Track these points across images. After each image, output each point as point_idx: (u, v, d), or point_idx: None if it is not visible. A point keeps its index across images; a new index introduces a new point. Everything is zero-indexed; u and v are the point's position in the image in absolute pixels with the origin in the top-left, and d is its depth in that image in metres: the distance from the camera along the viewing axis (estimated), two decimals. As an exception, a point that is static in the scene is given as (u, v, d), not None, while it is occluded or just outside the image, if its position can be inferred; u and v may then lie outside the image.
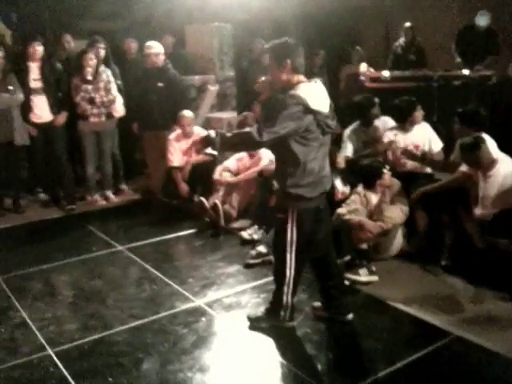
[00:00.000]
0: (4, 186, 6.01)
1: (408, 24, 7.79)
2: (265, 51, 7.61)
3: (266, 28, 8.60)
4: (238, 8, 8.01)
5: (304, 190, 3.09)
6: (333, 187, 4.59)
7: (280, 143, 3.04)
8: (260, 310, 3.54)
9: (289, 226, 3.12)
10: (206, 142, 3.38)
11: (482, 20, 7.05)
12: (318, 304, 3.56)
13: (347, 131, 5.33)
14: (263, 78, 3.35)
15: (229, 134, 3.16)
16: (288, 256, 3.18)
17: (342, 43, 8.21)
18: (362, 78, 7.13)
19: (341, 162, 4.82)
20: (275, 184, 3.58)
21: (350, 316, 3.46)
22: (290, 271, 3.21)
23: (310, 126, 3.01)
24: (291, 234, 3.13)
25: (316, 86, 3.11)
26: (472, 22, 7.17)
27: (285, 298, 3.29)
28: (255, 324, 3.46)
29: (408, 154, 4.71)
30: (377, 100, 5.29)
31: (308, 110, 2.97)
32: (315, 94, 3.04)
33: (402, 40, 7.87)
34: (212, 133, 3.26)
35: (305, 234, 3.16)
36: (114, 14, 9.11)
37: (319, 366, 3.03)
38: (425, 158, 4.68)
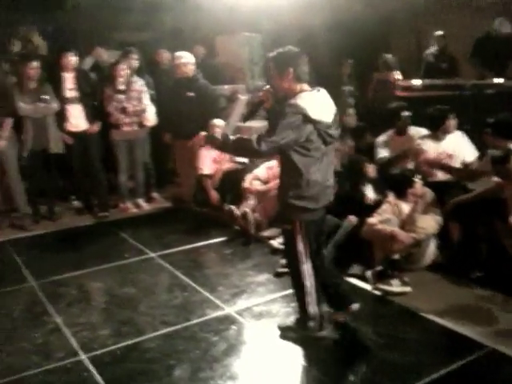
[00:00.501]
0: (39, 194, 6.15)
1: (440, 32, 7.72)
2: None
3: (295, 37, 8.61)
4: (267, 18, 8.06)
5: (307, 201, 3.08)
6: (363, 194, 4.58)
7: (282, 153, 3.04)
8: (290, 320, 3.54)
9: (298, 236, 3.13)
10: (208, 140, 3.36)
11: (505, 27, 6.93)
12: (327, 309, 3.47)
13: (380, 139, 5.33)
14: (267, 86, 3.33)
15: (232, 138, 3.13)
16: (303, 267, 3.18)
17: (372, 51, 8.17)
18: (393, 86, 7.09)
19: (371, 171, 4.79)
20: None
21: (356, 306, 3.41)
22: (307, 281, 3.21)
23: (311, 136, 2.98)
24: (301, 244, 3.14)
25: (319, 94, 3.10)
26: (489, 30, 7.06)
27: (310, 309, 3.28)
28: (285, 333, 3.45)
29: (436, 163, 4.67)
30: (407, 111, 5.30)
31: (308, 119, 2.94)
32: (317, 103, 3.02)
33: (433, 48, 7.81)
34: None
35: (313, 243, 3.16)
36: (144, 25, 9.26)
37: (350, 377, 3.00)
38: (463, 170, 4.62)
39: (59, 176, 6.40)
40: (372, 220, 4.14)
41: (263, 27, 7.89)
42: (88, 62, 6.98)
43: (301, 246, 3.14)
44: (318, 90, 3.11)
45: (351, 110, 6.26)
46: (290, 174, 3.08)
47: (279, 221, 3.44)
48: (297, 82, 3.08)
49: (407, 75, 7.45)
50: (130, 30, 9.32)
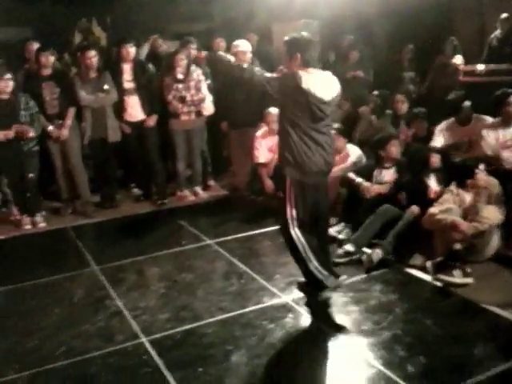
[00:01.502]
0: (101, 182, 6.32)
1: (505, 15, 7.38)
2: (352, 47, 7.54)
3: (352, 23, 8.48)
4: (323, 4, 7.96)
5: (297, 160, 3.46)
6: (426, 186, 4.46)
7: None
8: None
9: (289, 198, 3.57)
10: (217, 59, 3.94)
11: None
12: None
13: (440, 126, 5.19)
14: (281, 67, 3.69)
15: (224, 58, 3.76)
16: (292, 231, 3.58)
17: (433, 36, 7.92)
18: (455, 71, 6.86)
19: (436, 161, 4.63)
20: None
21: (343, 277, 3.74)
22: (299, 244, 3.58)
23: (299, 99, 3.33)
24: (292, 208, 3.57)
25: (320, 75, 3.46)
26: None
27: (311, 266, 3.58)
28: (302, 288, 3.78)
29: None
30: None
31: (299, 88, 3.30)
32: (313, 80, 3.36)
33: (498, 32, 7.48)
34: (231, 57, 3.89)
35: (302, 210, 3.58)
36: (200, 15, 9.34)
37: (410, 369, 2.93)
38: None
39: (119, 164, 6.55)
40: (433, 210, 4.03)
41: (320, 14, 7.78)
42: (144, 51, 7.09)
43: (292, 211, 3.52)
44: (321, 73, 3.50)
45: (401, 96, 6.09)
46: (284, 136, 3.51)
47: (277, 186, 3.80)
48: (304, 66, 3.42)
49: (469, 60, 7.18)
50: (186, 21, 9.42)
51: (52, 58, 5.71)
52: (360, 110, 6.38)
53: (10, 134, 5.28)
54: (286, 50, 3.51)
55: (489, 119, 4.96)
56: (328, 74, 3.55)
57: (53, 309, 3.91)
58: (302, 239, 3.55)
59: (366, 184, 4.83)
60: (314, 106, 3.36)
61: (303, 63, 3.41)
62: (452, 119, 5.21)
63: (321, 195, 3.68)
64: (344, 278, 3.75)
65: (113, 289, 4.15)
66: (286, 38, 3.51)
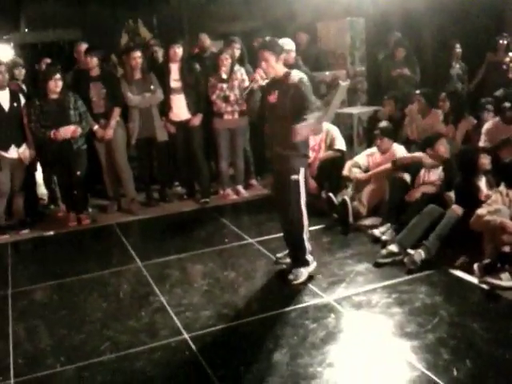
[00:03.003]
0: (149, 180, 6.44)
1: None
2: (398, 44, 7.41)
3: (399, 20, 8.34)
4: (369, 1, 7.85)
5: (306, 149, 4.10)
6: (477, 188, 4.33)
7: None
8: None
9: (302, 184, 3.99)
10: (249, 93, 4.09)
11: None
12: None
13: (487, 125, 5.09)
14: None
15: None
16: (303, 209, 4.06)
17: (483, 32, 7.70)
18: (506, 68, 6.66)
19: (487, 163, 4.48)
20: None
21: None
22: (306, 221, 4.07)
23: None
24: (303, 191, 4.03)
25: None
26: None
27: (307, 245, 4.10)
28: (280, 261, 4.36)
29: None
30: None
31: None
32: None
33: (551, 28, 7.24)
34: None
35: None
36: (246, 14, 9.37)
37: (455, 373, 2.86)
38: None
39: (165, 163, 6.64)
40: (481, 211, 3.92)
41: (366, 11, 7.68)
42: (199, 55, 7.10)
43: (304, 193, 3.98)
44: None
45: (443, 94, 5.95)
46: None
47: (285, 174, 3.99)
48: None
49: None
50: (231, 20, 9.47)
51: (95, 59, 5.80)
52: (407, 109, 6.27)
53: (65, 134, 5.42)
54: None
55: None
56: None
57: (99, 303, 4.00)
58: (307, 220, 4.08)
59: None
60: None
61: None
62: (497, 118, 5.09)
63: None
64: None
65: (156, 285, 4.21)
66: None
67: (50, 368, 3.22)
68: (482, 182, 4.36)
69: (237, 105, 6.10)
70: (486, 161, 4.46)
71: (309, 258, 4.12)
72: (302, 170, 3.99)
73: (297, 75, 3.94)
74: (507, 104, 5.09)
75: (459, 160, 4.57)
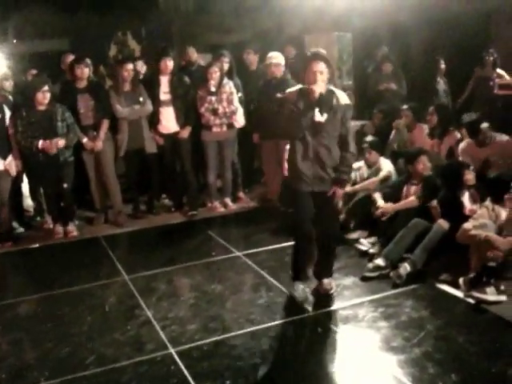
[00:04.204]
0: (137, 192, 6.41)
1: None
2: (385, 58, 7.49)
3: (387, 34, 8.44)
4: (358, 16, 7.93)
5: None
6: (461, 203, 4.37)
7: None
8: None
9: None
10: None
11: None
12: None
13: (461, 145, 5.28)
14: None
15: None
16: None
17: (469, 47, 7.81)
18: (492, 83, 6.76)
19: (471, 179, 4.53)
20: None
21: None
22: None
23: None
24: None
25: None
26: None
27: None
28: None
29: None
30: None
31: None
32: None
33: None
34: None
35: None
36: (235, 26, 9.42)
37: (441, 387, 2.89)
38: None
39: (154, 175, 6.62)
40: (467, 225, 3.96)
41: (353, 25, 7.77)
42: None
43: None
44: None
45: (431, 108, 6.03)
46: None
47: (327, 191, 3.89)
48: None
49: (509, 71, 7.05)
50: (221, 32, 9.52)
51: (87, 70, 5.81)
52: (394, 122, 6.33)
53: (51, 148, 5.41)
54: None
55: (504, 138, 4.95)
56: None
57: (85, 317, 3.97)
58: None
59: (383, 205, 4.85)
60: None
61: None
62: (470, 140, 5.19)
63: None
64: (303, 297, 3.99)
65: (142, 298, 4.18)
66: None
67: (35, 382, 3.18)
68: (466, 197, 4.40)
69: (225, 118, 6.11)
70: (470, 176, 4.50)
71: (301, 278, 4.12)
72: None
73: (343, 95, 3.86)
74: (483, 126, 5.16)
75: (444, 174, 4.62)
